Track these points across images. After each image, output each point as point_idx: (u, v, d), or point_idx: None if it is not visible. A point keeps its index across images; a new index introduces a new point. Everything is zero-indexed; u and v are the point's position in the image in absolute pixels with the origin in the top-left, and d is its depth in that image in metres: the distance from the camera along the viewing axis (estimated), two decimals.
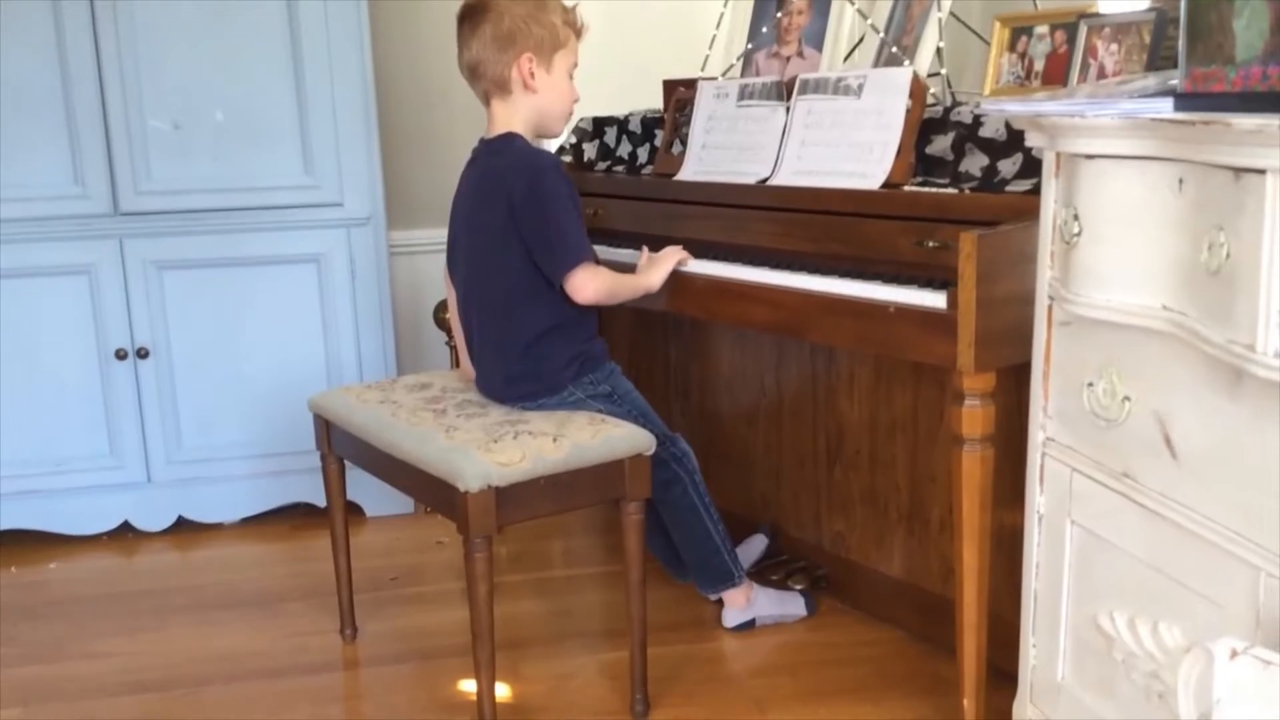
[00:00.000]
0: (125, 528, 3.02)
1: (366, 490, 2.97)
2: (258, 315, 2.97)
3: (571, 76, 2.24)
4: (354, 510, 2.90)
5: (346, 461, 2.33)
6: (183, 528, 3.04)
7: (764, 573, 2.49)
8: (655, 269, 2.25)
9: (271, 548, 2.96)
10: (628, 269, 2.30)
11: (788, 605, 2.40)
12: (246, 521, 3.08)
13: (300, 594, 2.64)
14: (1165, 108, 1.24)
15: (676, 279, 2.25)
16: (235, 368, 2.99)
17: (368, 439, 2.14)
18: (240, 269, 2.94)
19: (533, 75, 2.16)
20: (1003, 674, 1.87)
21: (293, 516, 3.09)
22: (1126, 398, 1.35)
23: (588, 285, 2.12)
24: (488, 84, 2.18)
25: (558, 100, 2.22)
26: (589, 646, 2.36)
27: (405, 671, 2.28)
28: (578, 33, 2.23)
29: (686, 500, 2.26)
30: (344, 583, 2.39)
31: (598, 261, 2.16)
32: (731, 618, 2.37)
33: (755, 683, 2.19)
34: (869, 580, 2.40)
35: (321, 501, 2.56)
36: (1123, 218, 1.30)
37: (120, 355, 2.91)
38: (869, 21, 2.47)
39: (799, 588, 2.44)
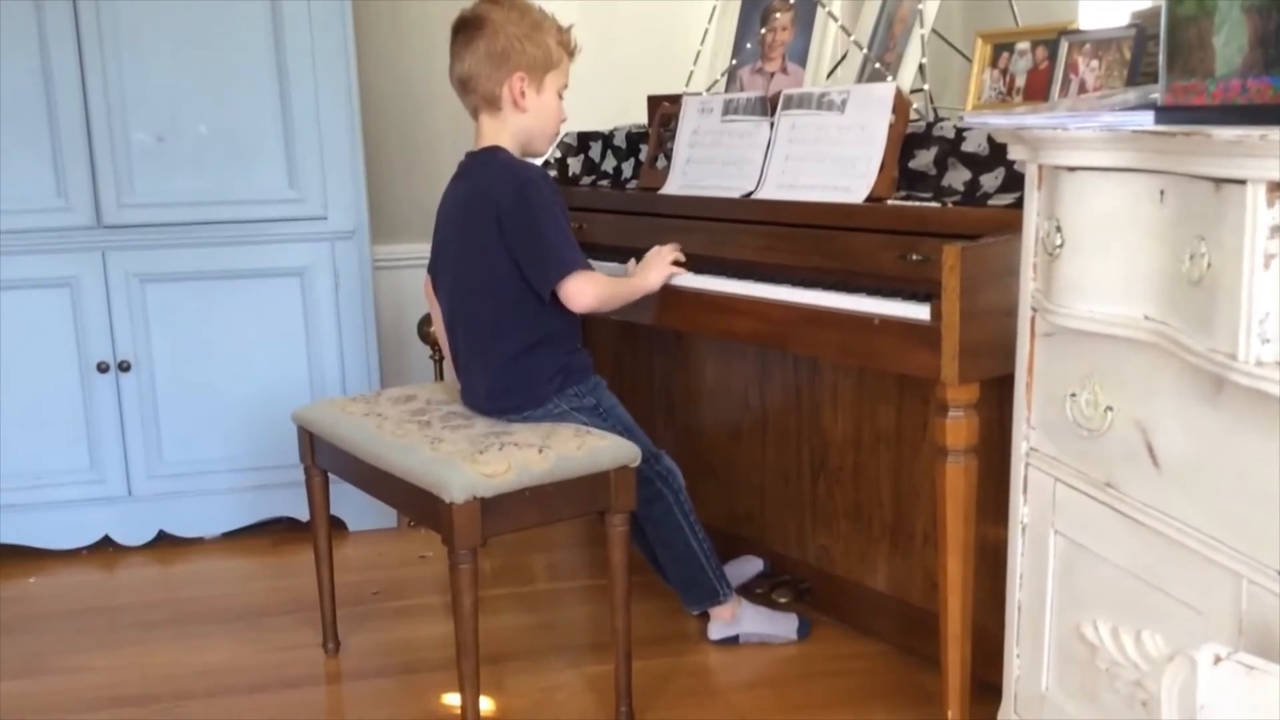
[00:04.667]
0: (106, 542, 3.00)
1: (349, 504, 2.96)
2: (240, 329, 2.96)
3: (561, 97, 2.24)
4: (336, 525, 2.88)
5: (329, 475, 2.33)
6: (164, 542, 3.02)
7: (749, 586, 2.49)
8: (651, 269, 2.22)
9: (253, 562, 2.94)
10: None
11: (777, 625, 2.37)
12: (228, 536, 3.07)
13: (282, 609, 2.63)
14: (1146, 120, 1.26)
15: (662, 291, 2.25)
16: (217, 381, 2.97)
17: (352, 451, 2.14)
18: (223, 282, 2.93)
19: (523, 94, 2.17)
20: (987, 686, 1.87)
21: (274, 531, 3.07)
22: (1109, 408, 1.36)
23: (585, 292, 2.10)
24: (478, 99, 2.19)
25: (546, 120, 2.23)
26: (573, 660, 2.36)
27: (388, 686, 2.27)
28: (571, 54, 2.23)
29: (671, 518, 2.25)
30: (326, 597, 2.38)
31: (590, 269, 2.15)
32: (715, 630, 2.36)
33: (740, 696, 2.19)
34: (854, 594, 2.40)
35: (304, 515, 2.55)
36: (1104, 229, 1.31)
37: (102, 368, 2.90)
38: (852, 38, 2.49)
39: (791, 612, 2.40)
